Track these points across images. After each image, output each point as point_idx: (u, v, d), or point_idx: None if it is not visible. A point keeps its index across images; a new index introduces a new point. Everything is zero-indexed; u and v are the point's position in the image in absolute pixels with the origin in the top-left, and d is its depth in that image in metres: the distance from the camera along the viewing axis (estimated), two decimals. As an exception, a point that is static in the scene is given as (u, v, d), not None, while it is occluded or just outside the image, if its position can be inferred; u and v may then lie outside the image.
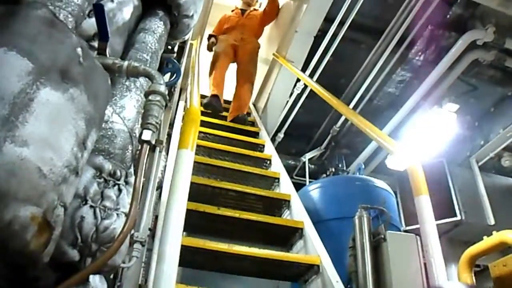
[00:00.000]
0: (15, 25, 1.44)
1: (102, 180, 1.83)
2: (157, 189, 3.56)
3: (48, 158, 1.33)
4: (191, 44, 5.36)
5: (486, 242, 4.06)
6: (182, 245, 2.03)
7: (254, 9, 7.85)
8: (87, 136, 1.51)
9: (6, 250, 1.24)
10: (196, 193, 3.98)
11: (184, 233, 3.46)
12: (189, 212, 2.20)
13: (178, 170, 2.19)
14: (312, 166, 8.15)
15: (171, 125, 5.23)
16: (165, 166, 4.07)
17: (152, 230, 3.27)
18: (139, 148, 1.74)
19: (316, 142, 8.31)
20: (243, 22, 7.62)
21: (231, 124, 6.50)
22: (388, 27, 6.66)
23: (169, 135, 4.96)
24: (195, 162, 2.32)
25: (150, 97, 1.82)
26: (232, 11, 7.94)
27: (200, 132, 5.19)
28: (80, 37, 1.88)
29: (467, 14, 6.16)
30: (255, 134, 6.50)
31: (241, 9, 7.83)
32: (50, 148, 1.34)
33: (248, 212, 4.02)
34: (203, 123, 5.67)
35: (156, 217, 3.42)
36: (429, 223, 2.61)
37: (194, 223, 3.52)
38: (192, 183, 2.27)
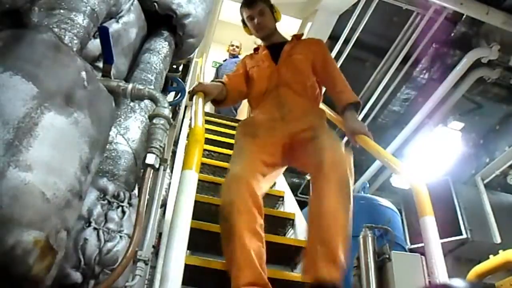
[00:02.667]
0: (21, 49, 1.45)
1: (105, 202, 1.84)
2: (161, 207, 3.56)
3: (51, 183, 1.33)
4: (196, 62, 5.37)
5: (492, 261, 4.03)
6: (185, 264, 2.01)
7: (295, 36, 3.44)
8: (90, 159, 1.52)
9: (9, 274, 1.24)
10: (200, 211, 3.97)
11: (188, 251, 3.45)
12: (192, 231, 2.18)
13: (182, 191, 2.18)
14: (316, 184, 8.08)
15: (176, 143, 5.22)
16: (170, 183, 4.06)
17: (156, 248, 3.26)
18: (143, 171, 1.75)
19: (321, 159, 8.26)
20: (280, 75, 3.15)
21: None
22: (392, 45, 6.69)
23: (174, 153, 4.96)
24: (199, 180, 2.31)
25: (154, 121, 1.83)
26: (255, 51, 3.45)
27: (204, 150, 5.19)
28: (85, 58, 1.90)
29: (472, 32, 6.18)
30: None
31: (267, 46, 3.33)
32: (53, 172, 1.34)
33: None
34: (208, 141, 5.66)
35: (160, 235, 3.41)
36: (435, 245, 2.58)
37: (198, 242, 3.50)
38: (196, 202, 2.26)
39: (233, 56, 9.24)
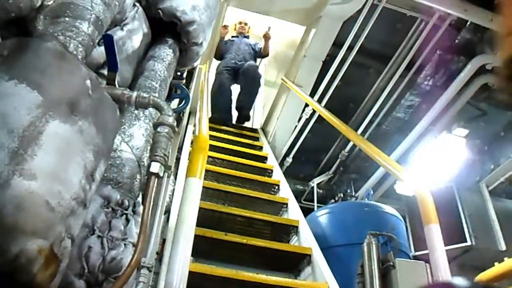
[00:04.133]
0: (26, 58, 1.45)
1: (110, 210, 1.83)
2: (165, 213, 3.56)
3: (56, 191, 1.33)
4: (200, 69, 5.38)
5: (497, 268, 4.00)
6: (189, 271, 2.02)
7: None
8: (95, 168, 1.51)
9: (13, 283, 1.24)
10: (204, 218, 3.98)
11: (191, 258, 3.45)
12: (196, 238, 2.20)
13: (186, 198, 2.20)
14: (321, 191, 8.12)
15: (180, 149, 5.23)
16: (173, 190, 4.07)
17: (160, 254, 3.27)
18: (147, 179, 1.75)
19: (325, 167, 8.29)
20: None
21: (239, 149, 6.46)
22: (396, 52, 6.70)
23: (178, 159, 4.97)
24: (202, 187, 2.32)
25: (158, 129, 1.83)
26: None
27: (208, 156, 5.19)
28: (90, 65, 1.90)
29: (476, 39, 6.17)
30: (264, 159, 6.49)
31: None
32: (58, 181, 1.34)
33: (255, 238, 4.00)
34: (212, 148, 5.66)
35: (163, 241, 3.41)
36: (439, 252, 2.58)
37: (202, 249, 3.51)
38: (199, 208, 2.28)
39: (243, 35, 8.37)
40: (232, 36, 8.38)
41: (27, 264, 1.24)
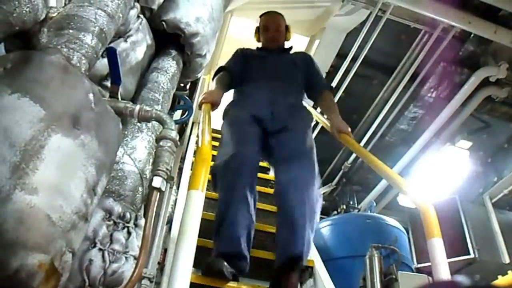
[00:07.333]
0: (29, 71, 1.46)
1: (111, 222, 1.83)
2: (167, 223, 3.55)
3: (57, 206, 1.33)
4: (204, 79, 5.37)
5: (502, 281, 3.98)
6: (190, 282, 2.00)
7: None
8: (97, 182, 1.51)
9: (13, 298, 1.23)
10: (206, 229, 3.96)
11: (193, 269, 3.43)
12: (198, 249, 2.18)
13: (188, 211, 2.17)
14: (323, 203, 8.07)
15: (182, 159, 5.22)
16: (176, 200, 4.06)
17: (161, 264, 3.25)
18: (149, 193, 1.74)
19: (327, 178, 8.24)
20: None
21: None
22: (400, 63, 6.67)
23: (180, 169, 4.96)
24: (205, 197, 2.30)
25: (161, 143, 1.82)
26: None
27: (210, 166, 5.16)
28: (93, 77, 1.91)
29: (480, 51, 6.16)
30: (267, 170, 6.46)
31: None
32: (60, 195, 1.34)
33: (258, 249, 3.97)
34: (214, 157, 5.64)
35: (165, 250, 3.40)
36: (442, 266, 2.56)
37: (203, 260, 3.49)
38: (201, 219, 2.26)
39: (278, 47, 3.92)
40: (258, 48, 4.03)
41: (27, 279, 1.24)
